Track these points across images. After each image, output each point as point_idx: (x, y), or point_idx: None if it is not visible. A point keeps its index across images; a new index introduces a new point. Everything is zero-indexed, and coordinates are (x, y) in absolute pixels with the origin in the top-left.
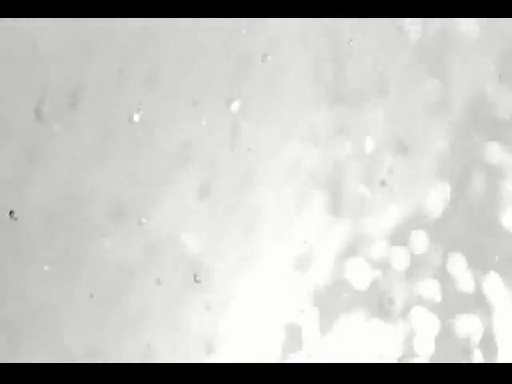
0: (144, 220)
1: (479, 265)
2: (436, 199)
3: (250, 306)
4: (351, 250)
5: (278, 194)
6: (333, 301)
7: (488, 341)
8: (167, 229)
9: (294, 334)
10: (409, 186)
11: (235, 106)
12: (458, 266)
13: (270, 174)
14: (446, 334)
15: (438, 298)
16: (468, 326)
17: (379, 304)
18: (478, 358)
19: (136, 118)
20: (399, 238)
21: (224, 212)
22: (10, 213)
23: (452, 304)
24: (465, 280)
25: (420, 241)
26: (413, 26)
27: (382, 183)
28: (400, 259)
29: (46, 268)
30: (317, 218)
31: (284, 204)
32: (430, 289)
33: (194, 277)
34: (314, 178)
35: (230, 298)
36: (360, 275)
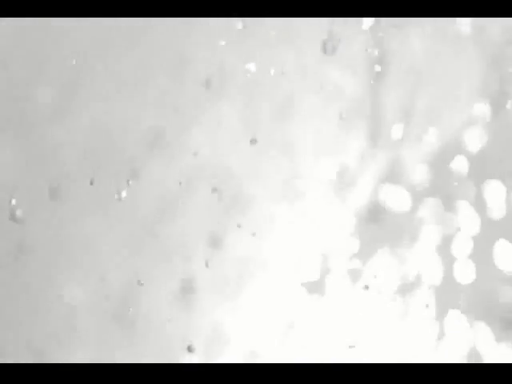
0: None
1: None
2: (474, 127)
3: (289, 231)
4: (390, 176)
5: (318, 121)
6: (372, 227)
7: None
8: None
9: (331, 260)
10: (447, 111)
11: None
12: (495, 192)
13: (309, 100)
14: (485, 262)
15: (476, 226)
16: (507, 254)
17: (417, 231)
18: None
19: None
20: (438, 163)
21: (263, 139)
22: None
23: (491, 232)
24: (503, 207)
25: (459, 166)
26: None
27: (420, 108)
28: (439, 186)
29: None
30: (356, 144)
31: (323, 132)
32: (469, 217)
33: (188, 348)
34: (353, 105)
35: (269, 222)
36: (399, 201)
